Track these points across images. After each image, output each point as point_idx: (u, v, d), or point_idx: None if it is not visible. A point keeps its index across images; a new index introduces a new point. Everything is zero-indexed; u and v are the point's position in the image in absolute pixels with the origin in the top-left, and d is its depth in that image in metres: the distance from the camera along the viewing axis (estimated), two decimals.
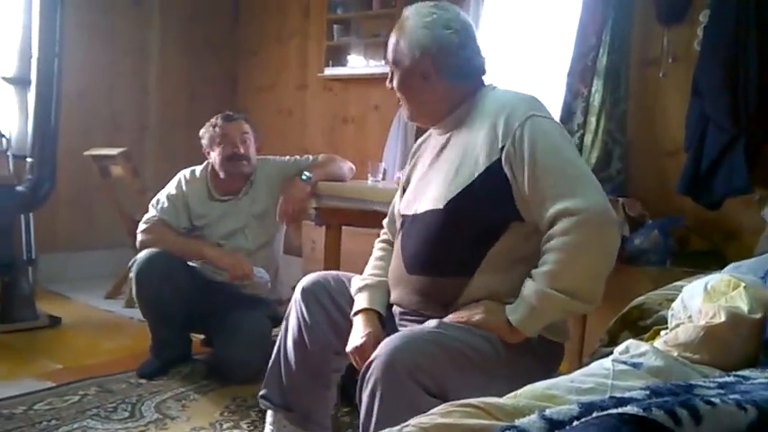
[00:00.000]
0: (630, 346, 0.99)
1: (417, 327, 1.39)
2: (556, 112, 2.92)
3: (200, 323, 2.54)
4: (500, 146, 1.38)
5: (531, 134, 1.35)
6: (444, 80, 1.49)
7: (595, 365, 0.95)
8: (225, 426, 2.03)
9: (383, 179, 2.76)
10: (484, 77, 1.56)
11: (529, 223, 1.38)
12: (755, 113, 2.45)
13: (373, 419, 1.24)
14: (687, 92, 2.63)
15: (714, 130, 2.52)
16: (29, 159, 3.11)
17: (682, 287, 1.35)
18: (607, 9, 2.82)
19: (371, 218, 2.18)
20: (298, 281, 1.70)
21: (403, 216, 1.58)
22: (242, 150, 2.50)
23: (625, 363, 0.93)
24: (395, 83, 1.55)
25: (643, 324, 1.42)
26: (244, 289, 2.49)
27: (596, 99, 2.84)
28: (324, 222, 2.69)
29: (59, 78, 3.10)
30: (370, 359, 1.28)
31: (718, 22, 2.53)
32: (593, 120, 2.85)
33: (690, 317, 1.13)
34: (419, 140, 1.71)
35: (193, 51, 4.52)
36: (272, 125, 4.51)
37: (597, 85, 2.84)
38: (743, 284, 1.10)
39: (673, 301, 1.27)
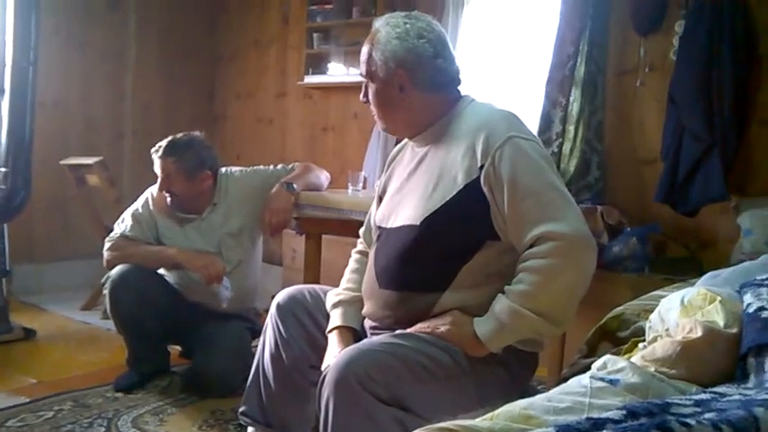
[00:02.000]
0: (608, 362, 0.99)
1: (374, 338, 1.39)
2: (534, 121, 2.94)
3: (178, 335, 2.51)
4: (479, 165, 1.37)
5: (512, 156, 1.35)
6: (420, 91, 1.48)
7: (573, 382, 0.95)
8: None
9: (363, 188, 2.75)
10: (460, 87, 1.55)
11: (504, 241, 1.38)
12: (730, 122, 2.49)
13: (329, 431, 1.24)
14: (664, 101, 2.66)
15: (690, 138, 2.55)
16: (2, 169, 3.05)
17: (659, 297, 1.37)
18: (584, 19, 2.85)
19: (352, 227, 2.16)
20: (277, 290, 1.69)
21: (379, 228, 1.58)
22: (165, 186, 2.42)
23: (602, 379, 0.94)
24: (370, 96, 1.53)
25: (621, 335, 1.43)
26: (219, 307, 2.44)
27: (575, 108, 2.87)
28: (304, 231, 2.68)
29: (34, 87, 3.04)
30: (323, 372, 1.28)
31: (693, 33, 2.57)
32: (571, 129, 2.88)
33: (667, 330, 1.14)
34: (395, 149, 1.69)
35: (170, 58, 4.47)
36: (251, 133, 4.49)
37: (575, 95, 2.87)
38: (719, 298, 1.11)
39: (651, 311, 1.28)
